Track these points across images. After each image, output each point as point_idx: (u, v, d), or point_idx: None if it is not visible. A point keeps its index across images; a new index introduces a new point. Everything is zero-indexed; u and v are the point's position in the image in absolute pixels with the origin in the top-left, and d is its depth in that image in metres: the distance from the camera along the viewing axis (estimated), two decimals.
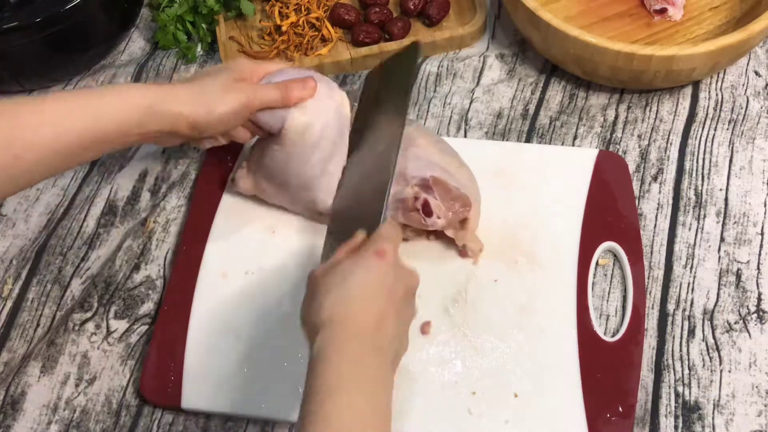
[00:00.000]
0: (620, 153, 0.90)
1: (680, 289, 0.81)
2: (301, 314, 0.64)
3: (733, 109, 0.93)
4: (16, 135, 0.64)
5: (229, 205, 0.86)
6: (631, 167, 0.89)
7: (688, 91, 0.95)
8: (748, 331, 0.78)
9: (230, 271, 0.82)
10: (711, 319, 0.79)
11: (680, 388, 0.76)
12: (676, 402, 0.75)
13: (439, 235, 0.82)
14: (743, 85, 0.96)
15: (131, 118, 0.69)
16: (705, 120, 0.93)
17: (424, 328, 0.78)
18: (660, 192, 0.87)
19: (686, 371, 0.76)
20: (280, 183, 0.81)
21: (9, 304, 0.83)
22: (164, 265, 0.85)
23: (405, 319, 0.65)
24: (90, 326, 0.81)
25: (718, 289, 0.81)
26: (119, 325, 0.81)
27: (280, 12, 1.02)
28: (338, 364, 0.57)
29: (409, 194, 0.78)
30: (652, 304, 0.80)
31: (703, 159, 0.89)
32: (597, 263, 0.82)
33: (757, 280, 0.81)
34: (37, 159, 0.65)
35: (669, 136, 0.92)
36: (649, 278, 0.82)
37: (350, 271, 0.63)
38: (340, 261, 0.65)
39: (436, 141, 0.84)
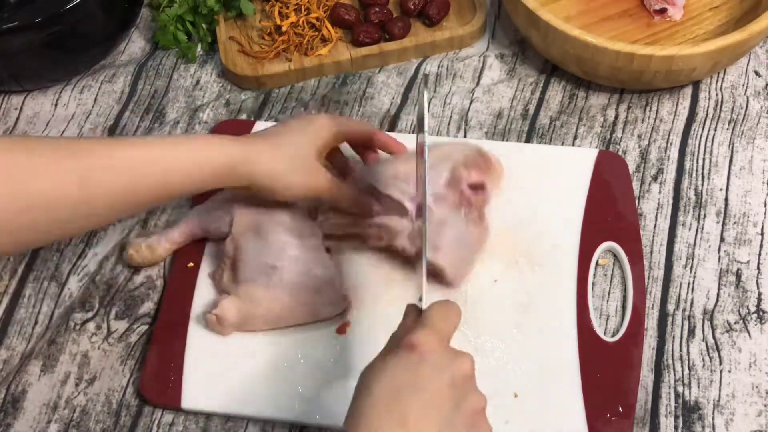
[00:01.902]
0: (620, 153, 0.90)
1: (680, 289, 0.81)
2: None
3: (733, 109, 0.93)
4: (90, 176, 0.64)
5: None
6: (631, 167, 0.89)
7: (688, 91, 0.95)
8: (748, 331, 0.78)
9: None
10: (711, 319, 0.79)
11: (680, 388, 0.76)
12: (676, 402, 0.75)
13: None
14: (743, 85, 0.96)
15: (208, 178, 0.70)
16: (705, 120, 0.93)
17: None
18: (660, 192, 0.87)
19: (686, 371, 0.76)
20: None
21: (5, 300, 0.83)
22: (164, 265, 0.85)
23: (464, 419, 0.54)
24: (91, 326, 0.81)
25: (718, 289, 0.81)
26: (119, 325, 0.81)
27: (280, 12, 1.02)
28: None
29: (456, 199, 0.78)
30: (652, 304, 0.80)
31: (703, 159, 0.89)
32: (597, 263, 0.82)
33: (757, 280, 0.81)
34: (106, 204, 0.66)
35: (669, 136, 0.92)
36: (649, 278, 0.82)
37: (377, 373, 0.55)
38: (373, 361, 0.56)
39: (404, 158, 0.81)
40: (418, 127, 0.68)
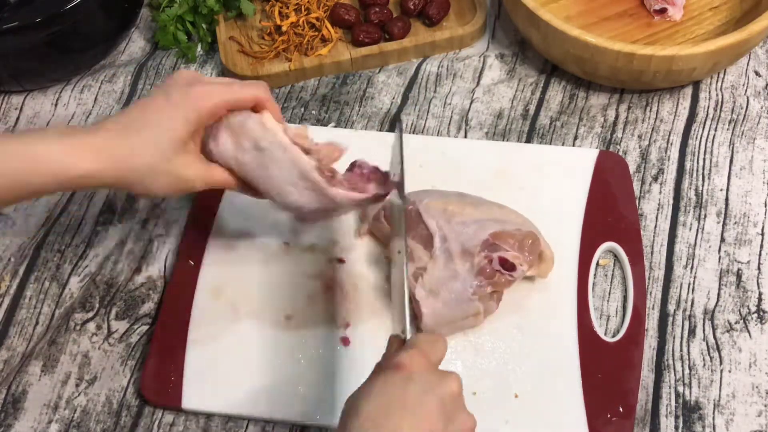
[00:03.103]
0: (620, 153, 0.90)
1: (681, 289, 0.81)
2: None
3: (733, 109, 0.93)
4: None
5: (230, 205, 0.86)
6: (632, 167, 0.89)
7: (689, 91, 0.95)
8: (748, 331, 0.78)
9: (231, 271, 0.82)
10: (711, 319, 0.79)
11: (681, 388, 0.76)
12: (677, 402, 0.75)
13: None
14: (743, 85, 0.96)
15: (68, 187, 0.63)
16: (705, 120, 0.93)
17: None
18: (660, 192, 0.87)
19: (687, 371, 0.76)
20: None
21: (7, 301, 0.83)
22: (165, 265, 0.85)
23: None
24: (91, 326, 0.81)
25: (719, 289, 0.81)
26: (120, 326, 0.81)
27: (280, 12, 1.02)
28: None
29: (482, 263, 0.75)
30: (653, 305, 0.80)
31: (704, 159, 0.89)
32: (597, 263, 0.82)
33: (757, 280, 0.81)
34: None
35: (669, 136, 0.92)
36: (649, 278, 0.82)
37: (365, 394, 0.54)
38: (363, 384, 0.56)
39: (460, 197, 0.80)
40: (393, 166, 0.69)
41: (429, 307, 0.74)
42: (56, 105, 0.99)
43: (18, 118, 0.98)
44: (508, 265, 0.74)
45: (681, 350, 0.78)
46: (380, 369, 0.57)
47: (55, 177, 0.61)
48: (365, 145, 0.89)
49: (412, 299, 0.75)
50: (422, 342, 0.58)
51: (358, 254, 0.83)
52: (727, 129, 0.92)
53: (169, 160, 0.64)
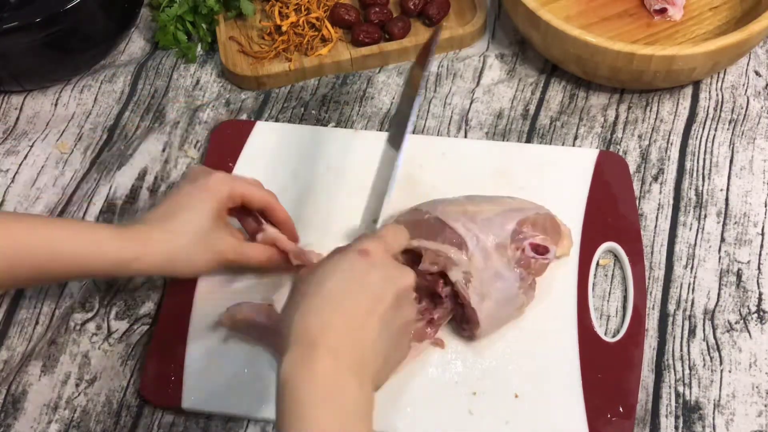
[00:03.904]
0: (621, 153, 0.90)
1: (681, 289, 0.81)
2: (282, 320, 0.59)
3: (733, 109, 0.93)
4: (12, 248, 0.68)
5: None
6: (632, 167, 0.89)
7: (689, 91, 0.95)
8: (748, 331, 0.78)
9: (230, 271, 0.82)
10: (711, 319, 0.79)
11: (681, 388, 0.76)
12: (677, 402, 0.75)
13: None
14: (743, 85, 0.96)
15: (99, 274, 0.74)
16: (705, 120, 0.93)
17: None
18: (660, 192, 0.87)
19: (687, 371, 0.76)
20: None
21: (7, 301, 0.83)
22: None
23: (397, 326, 0.60)
24: (91, 326, 0.81)
25: (719, 289, 0.81)
26: (120, 326, 0.81)
27: (280, 12, 1.02)
28: (309, 390, 0.53)
29: (516, 254, 0.76)
30: (653, 305, 0.80)
31: (704, 159, 0.89)
32: (597, 263, 0.82)
33: (757, 280, 0.81)
34: (28, 275, 0.70)
35: (669, 136, 0.92)
36: (649, 278, 0.82)
37: (329, 272, 0.59)
38: (323, 261, 0.61)
39: (469, 198, 0.81)
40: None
41: (484, 312, 0.73)
42: (56, 105, 0.99)
43: (18, 118, 0.98)
44: (540, 249, 0.76)
45: (681, 350, 0.78)
46: (344, 252, 0.62)
47: (111, 262, 0.70)
48: (365, 145, 0.90)
49: (467, 307, 0.74)
50: (387, 233, 0.64)
51: None
52: (727, 129, 0.92)
53: (206, 234, 0.73)
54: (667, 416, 0.74)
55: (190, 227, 0.73)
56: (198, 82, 1.01)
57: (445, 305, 0.75)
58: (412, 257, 0.76)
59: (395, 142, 0.72)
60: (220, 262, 0.76)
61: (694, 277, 0.82)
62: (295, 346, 0.55)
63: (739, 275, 0.81)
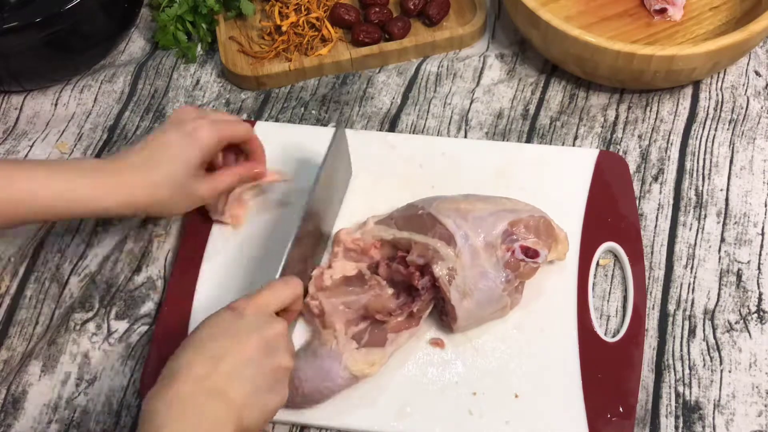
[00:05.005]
0: (621, 153, 0.90)
1: (681, 289, 0.81)
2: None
3: (733, 109, 0.93)
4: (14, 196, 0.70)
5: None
6: (632, 167, 0.89)
7: (689, 91, 0.95)
8: (748, 331, 0.78)
9: (230, 271, 0.82)
10: (711, 319, 0.79)
11: (681, 388, 0.76)
12: (677, 402, 0.75)
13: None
14: (743, 85, 0.96)
15: (90, 214, 0.74)
16: (705, 120, 0.93)
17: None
18: (660, 192, 0.87)
19: (687, 371, 0.76)
20: None
21: (7, 301, 0.83)
22: (165, 265, 0.85)
23: (269, 369, 0.62)
24: (91, 326, 0.81)
25: (719, 289, 0.81)
26: (120, 326, 0.81)
27: (280, 12, 1.02)
28: (166, 412, 0.56)
29: (506, 256, 0.75)
30: (653, 305, 0.80)
31: (704, 159, 0.89)
32: (598, 263, 0.82)
33: (757, 280, 0.81)
34: (5, 218, 0.71)
35: (669, 136, 0.92)
36: (649, 278, 0.82)
37: (201, 326, 0.63)
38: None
39: (466, 197, 0.81)
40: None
41: (463, 310, 0.74)
42: (56, 105, 0.99)
43: (18, 118, 0.98)
44: (530, 252, 0.76)
45: (681, 350, 0.78)
46: (218, 311, 0.65)
47: (90, 210, 0.72)
48: (365, 145, 0.90)
49: (447, 303, 0.74)
50: (265, 290, 0.66)
51: None
52: (727, 129, 0.92)
53: (184, 186, 0.75)
54: (667, 416, 0.74)
55: (174, 179, 0.74)
56: (198, 82, 1.01)
57: (423, 297, 0.75)
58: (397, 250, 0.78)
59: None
60: (197, 204, 0.79)
61: (694, 277, 0.82)
62: (161, 380, 0.59)
63: (739, 275, 0.81)
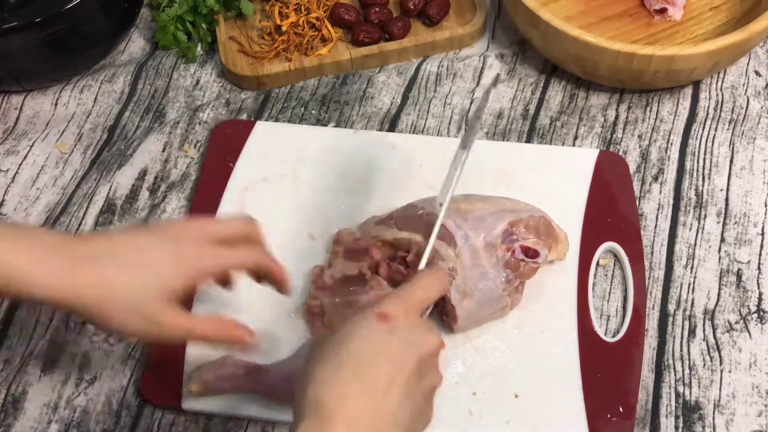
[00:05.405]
0: (621, 153, 0.90)
1: (681, 289, 0.81)
2: (297, 386, 0.55)
3: (733, 109, 0.93)
4: None
5: (229, 207, 0.86)
6: (632, 167, 0.89)
7: (689, 91, 0.95)
8: (748, 331, 0.78)
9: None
10: (711, 319, 0.79)
11: (681, 388, 0.76)
12: (677, 402, 0.75)
13: None
14: (743, 85, 0.96)
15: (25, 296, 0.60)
16: (705, 120, 0.93)
17: None
18: (660, 192, 0.87)
19: (687, 371, 0.76)
20: None
21: (7, 301, 0.83)
22: None
23: (420, 394, 0.55)
24: (91, 326, 0.81)
25: (719, 289, 0.81)
26: None
27: (280, 12, 1.02)
28: None
29: (506, 256, 0.75)
30: (653, 305, 0.80)
31: (704, 159, 0.89)
32: (597, 263, 0.82)
33: (757, 280, 0.81)
34: None
35: (669, 136, 0.92)
36: (649, 278, 0.82)
37: (346, 338, 0.54)
38: (341, 325, 0.56)
39: (466, 196, 0.81)
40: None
41: (463, 310, 0.74)
42: (56, 105, 0.99)
43: (18, 118, 0.98)
44: (530, 253, 0.75)
45: (681, 350, 0.78)
46: (362, 315, 0.56)
47: (25, 294, 0.59)
48: (365, 145, 0.90)
49: (447, 303, 0.74)
50: (415, 287, 0.59)
51: None
52: (727, 129, 0.92)
53: (151, 303, 0.60)
54: (667, 416, 0.74)
55: (141, 292, 0.60)
56: (198, 82, 1.01)
57: None
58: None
59: (464, 142, 0.70)
60: (153, 334, 0.62)
61: (694, 277, 0.82)
62: (309, 418, 0.51)
63: (739, 275, 0.81)
